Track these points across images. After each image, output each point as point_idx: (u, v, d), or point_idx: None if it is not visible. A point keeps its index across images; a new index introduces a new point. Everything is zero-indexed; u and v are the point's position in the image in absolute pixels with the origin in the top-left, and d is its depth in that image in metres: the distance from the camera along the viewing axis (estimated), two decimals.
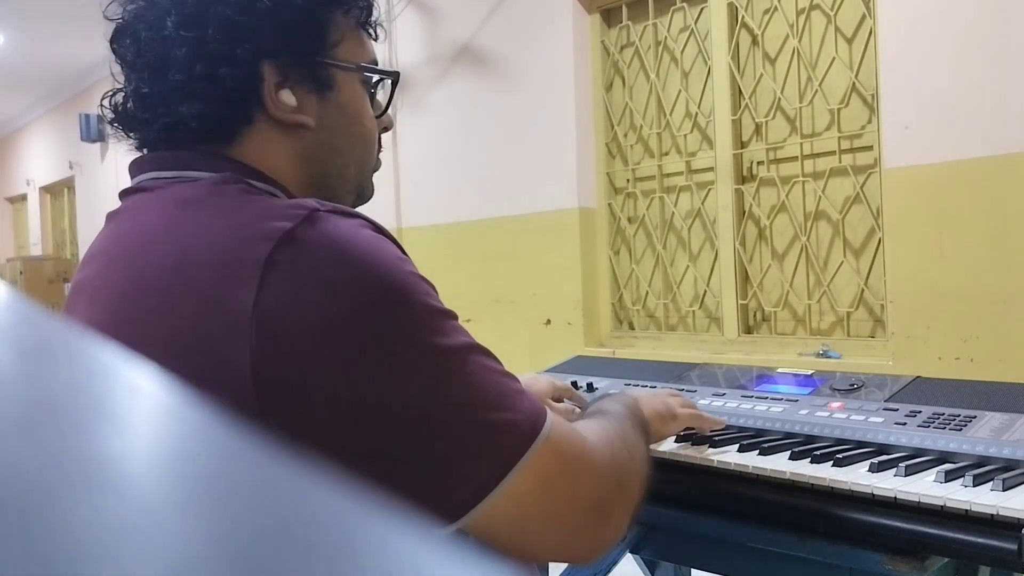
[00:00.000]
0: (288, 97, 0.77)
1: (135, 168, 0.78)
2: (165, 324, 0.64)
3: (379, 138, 0.88)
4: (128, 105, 0.78)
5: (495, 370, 0.69)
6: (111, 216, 0.79)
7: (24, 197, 9.55)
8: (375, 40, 0.86)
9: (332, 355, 0.61)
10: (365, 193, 0.88)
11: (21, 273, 7.79)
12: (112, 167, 7.22)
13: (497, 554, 0.71)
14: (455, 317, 0.69)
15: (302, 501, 0.15)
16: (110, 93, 0.79)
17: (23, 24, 6.06)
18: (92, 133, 7.17)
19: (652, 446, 0.98)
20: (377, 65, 0.85)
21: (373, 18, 0.84)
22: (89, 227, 7.72)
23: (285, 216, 0.64)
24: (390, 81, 0.89)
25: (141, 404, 0.18)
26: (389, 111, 0.90)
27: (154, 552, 0.12)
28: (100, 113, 0.81)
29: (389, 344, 0.63)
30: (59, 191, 8.80)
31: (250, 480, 0.15)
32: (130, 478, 0.14)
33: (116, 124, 0.79)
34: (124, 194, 0.78)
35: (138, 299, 0.67)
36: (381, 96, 0.89)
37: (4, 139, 9.89)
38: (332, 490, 0.15)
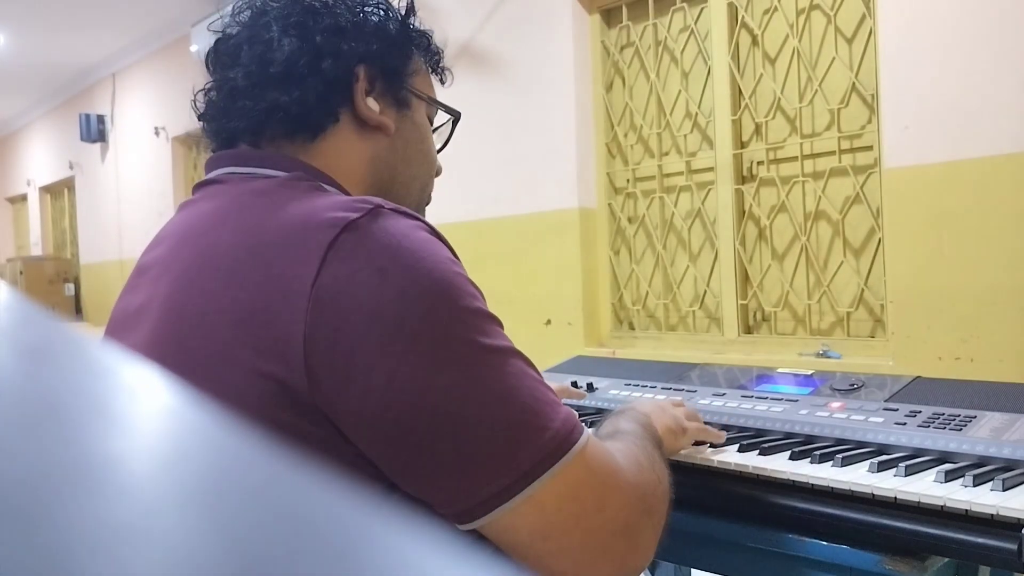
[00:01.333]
0: (372, 103, 0.84)
1: (211, 164, 0.83)
2: (230, 298, 0.68)
3: None
4: (219, 99, 0.83)
5: (534, 378, 0.69)
6: (183, 205, 0.83)
7: (24, 197, 9.55)
8: (443, 84, 0.96)
9: (377, 337, 0.64)
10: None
11: (21, 273, 7.79)
12: (112, 167, 7.22)
13: (518, 567, 0.71)
14: (499, 324, 0.70)
15: (305, 503, 0.15)
16: (201, 89, 0.85)
17: (23, 24, 6.06)
18: (92, 133, 7.17)
19: None
20: (442, 103, 0.95)
21: (442, 65, 0.95)
22: (89, 227, 7.72)
23: (351, 208, 0.68)
24: (452, 121, 0.98)
25: (142, 405, 0.18)
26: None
27: (155, 553, 0.12)
28: (192, 107, 0.86)
29: (431, 335, 0.65)
30: (59, 191, 8.80)
31: (252, 482, 0.15)
32: (131, 479, 0.14)
33: (203, 117, 0.85)
34: (198, 187, 0.83)
35: (206, 272, 0.71)
36: (437, 137, 0.98)
37: (4, 139, 9.89)
38: (335, 492, 0.15)
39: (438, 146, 0.97)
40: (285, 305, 0.64)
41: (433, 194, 0.99)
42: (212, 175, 0.82)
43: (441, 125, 0.97)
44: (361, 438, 0.65)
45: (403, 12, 0.89)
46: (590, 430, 0.72)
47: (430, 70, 0.93)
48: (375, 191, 0.85)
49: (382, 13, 0.86)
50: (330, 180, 0.80)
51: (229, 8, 0.86)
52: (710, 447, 1.06)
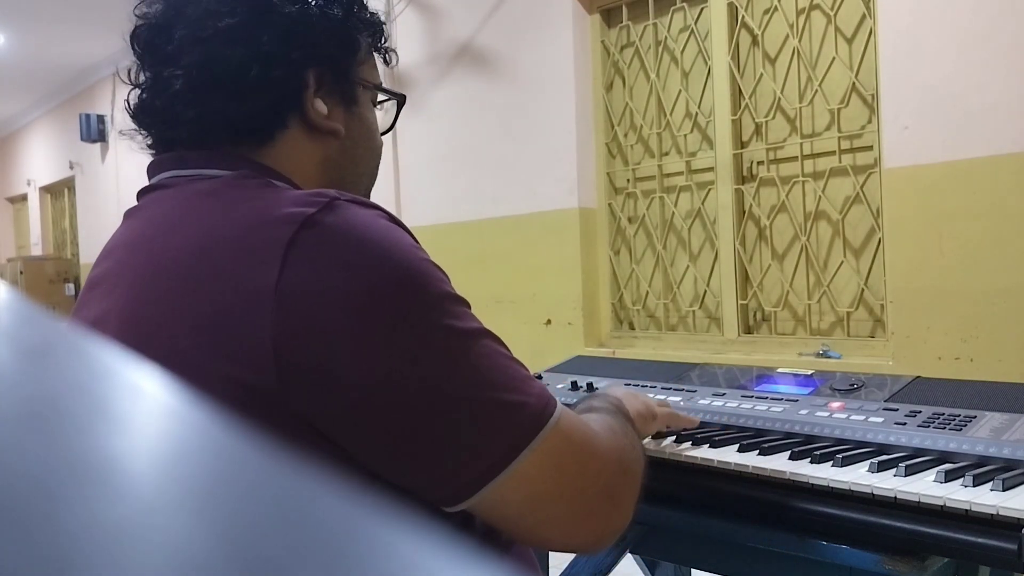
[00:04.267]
0: (320, 106, 0.81)
1: (153, 168, 0.80)
2: (188, 303, 0.66)
3: None
4: (155, 102, 0.79)
5: (506, 355, 0.71)
6: (129, 213, 0.81)
7: (24, 197, 9.55)
8: (387, 64, 0.93)
9: (350, 333, 0.63)
10: None
11: (21, 273, 7.79)
12: (112, 167, 7.22)
13: (509, 539, 0.74)
14: (467, 304, 0.71)
15: (303, 502, 0.15)
16: (131, 88, 0.81)
17: (23, 24, 6.06)
18: (92, 133, 7.17)
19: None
20: (385, 88, 0.92)
21: (386, 44, 0.91)
22: (89, 227, 7.72)
23: (307, 203, 0.66)
24: (396, 102, 0.94)
25: (142, 405, 0.18)
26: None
27: (155, 552, 0.12)
28: (126, 108, 0.82)
29: (404, 324, 0.65)
30: (59, 191, 8.80)
31: (251, 481, 0.15)
32: (130, 479, 0.14)
33: (137, 119, 0.81)
34: (142, 193, 0.81)
35: (161, 281, 0.69)
36: (381, 117, 0.94)
37: (4, 139, 9.89)
38: (333, 491, 0.15)
39: (383, 129, 0.93)
40: (248, 309, 0.63)
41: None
42: (155, 180, 0.79)
43: (384, 100, 0.94)
44: (341, 434, 0.64)
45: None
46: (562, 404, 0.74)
47: (375, 53, 0.90)
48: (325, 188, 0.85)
49: (325, 2, 0.81)
50: (279, 176, 0.77)
51: None
52: (710, 446, 1.06)
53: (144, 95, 0.80)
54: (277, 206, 0.67)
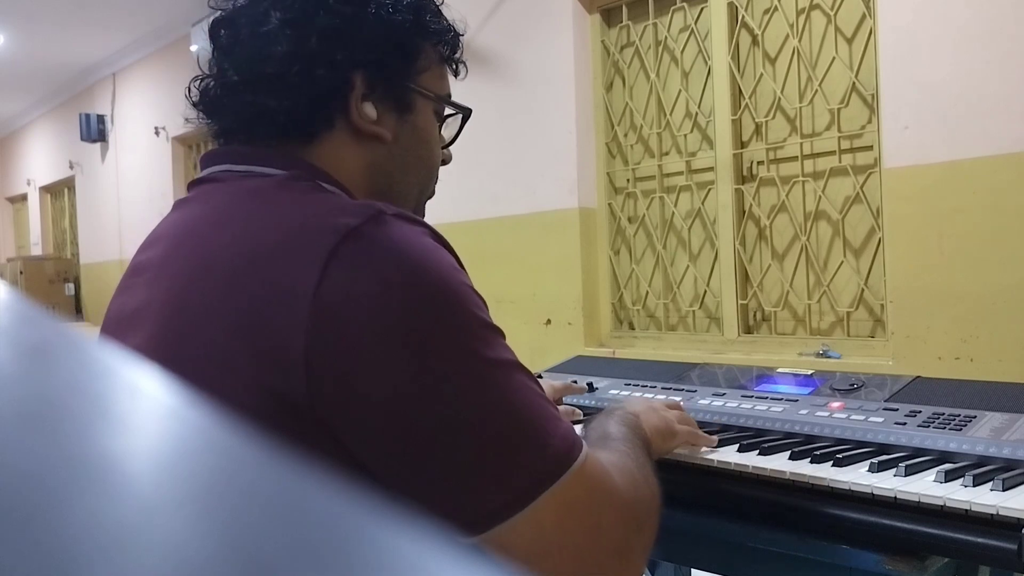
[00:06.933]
0: (370, 109, 0.80)
1: (207, 160, 0.81)
2: (229, 301, 0.66)
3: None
4: (216, 91, 0.80)
5: (535, 392, 0.69)
6: (179, 204, 0.81)
7: (24, 197, 9.55)
8: (456, 77, 0.90)
9: (381, 349, 0.63)
10: (419, 216, 0.89)
11: (21, 273, 7.79)
12: (112, 167, 7.22)
13: None
14: (502, 335, 0.69)
15: (304, 504, 0.15)
16: (198, 77, 0.82)
17: (23, 24, 6.06)
18: (92, 133, 7.18)
19: None
20: (451, 99, 0.89)
21: (457, 55, 0.89)
22: (89, 227, 7.72)
23: (353, 213, 0.66)
24: (461, 116, 0.92)
25: (142, 405, 0.18)
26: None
27: (154, 553, 0.12)
28: (186, 95, 0.82)
29: (436, 345, 0.64)
30: (59, 191, 8.80)
31: (252, 482, 0.15)
32: (130, 479, 0.14)
33: (199, 107, 0.82)
34: (193, 184, 0.81)
35: (205, 276, 0.70)
36: (446, 130, 0.92)
37: (4, 139, 9.89)
38: (335, 493, 0.15)
39: (446, 141, 0.92)
40: (285, 314, 0.63)
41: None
42: (207, 172, 0.80)
43: (451, 115, 0.92)
44: (363, 450, 0.64)
45: (417, 4, 0.83)
46: (588, 447, 0.71)
47: (444, 62, 0.88)
48: (372, 197, 0.82)
49: (390, 7, 0.80)
50: (329, 178, 0.77)
51: None
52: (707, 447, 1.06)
53: (209, 84, 0.81)
54: (324, 214, 0.67)
